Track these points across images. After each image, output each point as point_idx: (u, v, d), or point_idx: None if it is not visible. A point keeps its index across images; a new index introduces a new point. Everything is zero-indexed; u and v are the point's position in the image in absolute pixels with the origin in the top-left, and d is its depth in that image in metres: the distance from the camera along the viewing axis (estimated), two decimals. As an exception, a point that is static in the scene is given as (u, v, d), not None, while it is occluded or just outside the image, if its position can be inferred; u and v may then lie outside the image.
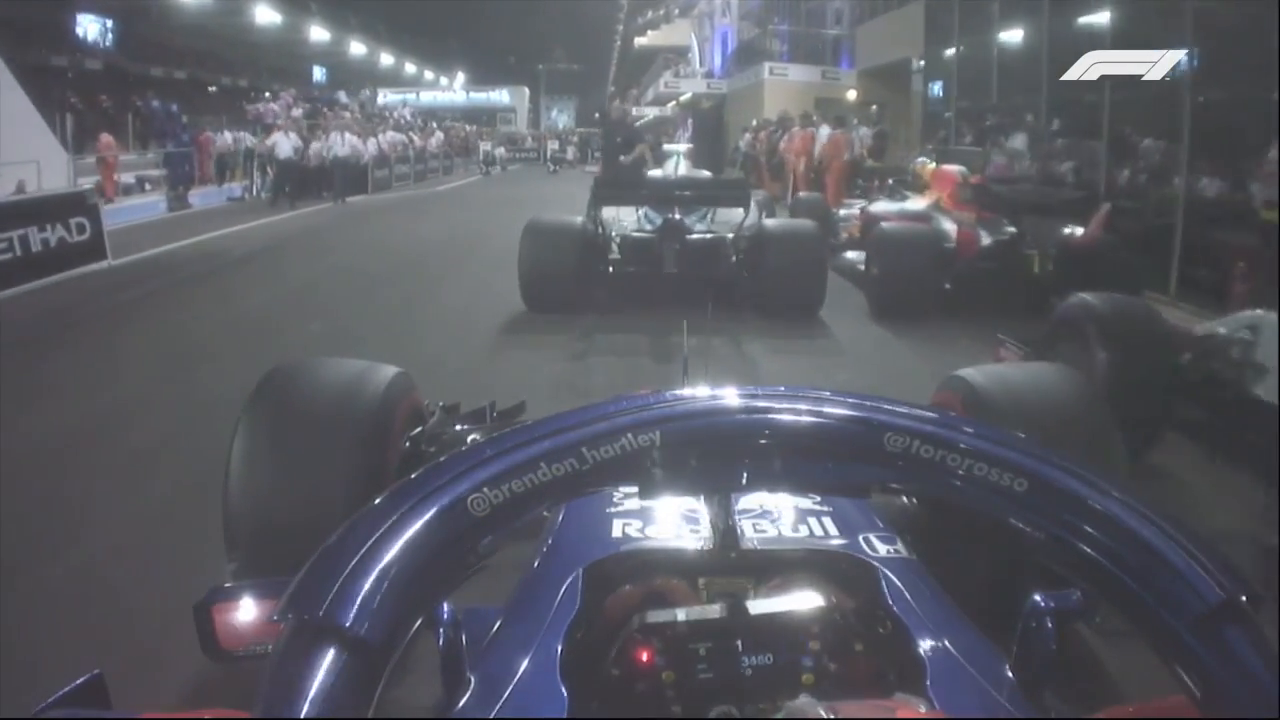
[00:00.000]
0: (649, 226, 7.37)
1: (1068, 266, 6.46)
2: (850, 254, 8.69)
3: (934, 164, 9.53)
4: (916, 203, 8.65)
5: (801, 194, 11.51)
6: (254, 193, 17.55)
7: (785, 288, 6.70)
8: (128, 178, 16.92)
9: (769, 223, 7.38)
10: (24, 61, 17.10)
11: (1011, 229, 7.11)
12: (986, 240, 7.11)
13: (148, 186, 17.04)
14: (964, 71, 14.49)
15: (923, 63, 17.70)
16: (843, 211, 10.46)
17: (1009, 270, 6.86)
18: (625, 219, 7.73)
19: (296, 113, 24.13)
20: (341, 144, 18.07)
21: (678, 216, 7.12)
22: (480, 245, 10.70)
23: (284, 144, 16.87)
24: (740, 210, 7.26)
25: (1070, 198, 7.81)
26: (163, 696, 2.18)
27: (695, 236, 7.15)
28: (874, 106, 14.57)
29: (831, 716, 0.76)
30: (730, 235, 7.24)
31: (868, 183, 13.67)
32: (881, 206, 9.04)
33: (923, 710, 0.80)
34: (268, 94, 27.17)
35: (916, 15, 16.38)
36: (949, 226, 7.47)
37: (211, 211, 15.46)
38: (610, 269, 7.20)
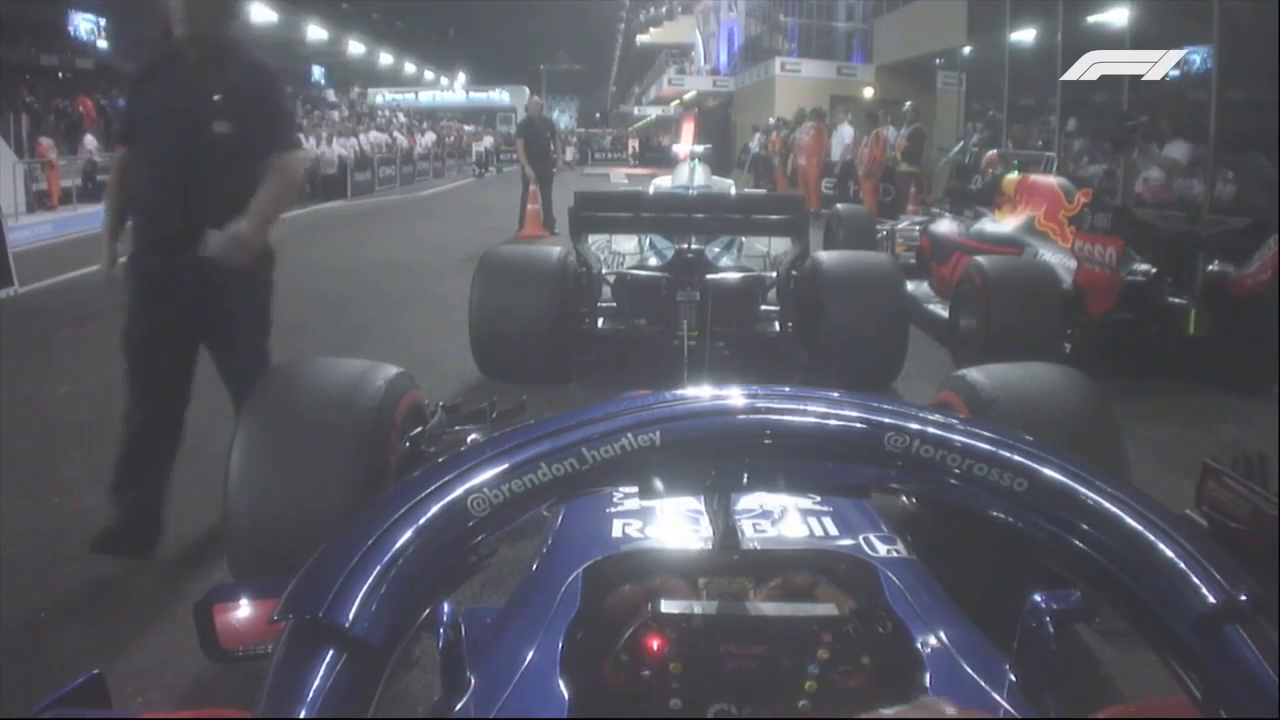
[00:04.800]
0: (656, 261, 5.43)
1: (1229, 321, 5.06)
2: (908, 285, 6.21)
3: (1015, 173, 7.68)
4: (997, 224, 6.82)
5: (840, 206, 9.33)
6: None
7: (851, 354, 4.60)
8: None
9: (825, 257, 5.14)
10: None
11: (1146, 267, 5.42)
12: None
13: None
14: (1015, 63, 13.70)
15: (941, 59, 17.12)
16: (898, 228, 8.53)
17: (1151, 324, 5.33)
18: (623, 247, 6.02)
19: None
20: None
21: (695, 246, 5.19)
22: (440, 279, 8.21)
23: None
24: (784, 239, 5.27)
25: (1236, 226, 5.80)
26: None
27: (721, 276, 5.04)
28: (909, 103, 13.82)
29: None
30: (773, 274, 5.31)
31: (900, 189, 12.89)
32: (948, 227, 7.32)
33: (949, 711, 0.79)
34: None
35: (941, 6, 15.79)
36: (1052, 258, 5.86)
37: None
38: (600, 323, 5.20)
